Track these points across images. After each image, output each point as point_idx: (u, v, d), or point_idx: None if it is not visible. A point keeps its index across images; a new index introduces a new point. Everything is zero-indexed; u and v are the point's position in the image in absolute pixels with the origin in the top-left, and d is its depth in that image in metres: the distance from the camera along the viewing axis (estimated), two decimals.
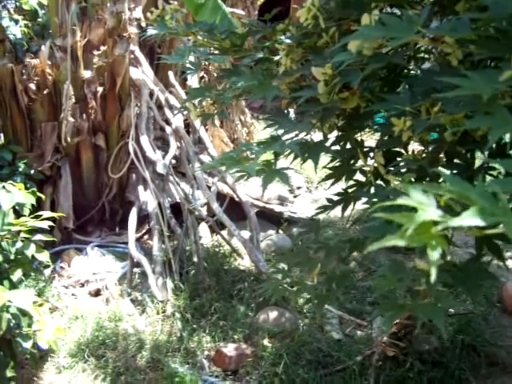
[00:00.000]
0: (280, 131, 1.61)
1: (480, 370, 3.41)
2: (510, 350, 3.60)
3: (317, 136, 1.85)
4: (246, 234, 4.55)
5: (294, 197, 5.77)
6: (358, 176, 1.83)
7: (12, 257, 3.25)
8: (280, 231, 5.10)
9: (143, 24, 5.04)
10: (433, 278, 0.77)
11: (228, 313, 3.88)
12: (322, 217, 2.29)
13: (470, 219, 0.77)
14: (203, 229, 4.83)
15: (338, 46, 1.34)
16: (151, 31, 1.99)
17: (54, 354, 3.42)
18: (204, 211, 4.79)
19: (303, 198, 5.80)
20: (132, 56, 4.94)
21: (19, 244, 3.28)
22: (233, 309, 3.92)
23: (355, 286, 4.27)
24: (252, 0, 6.00)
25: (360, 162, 1.76)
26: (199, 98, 1.89)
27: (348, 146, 1.82)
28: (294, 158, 1.66)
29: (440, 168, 0.85)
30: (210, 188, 4.78)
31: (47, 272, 4.23)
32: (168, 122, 4.95)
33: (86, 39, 4.68)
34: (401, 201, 0.80)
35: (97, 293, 4.18)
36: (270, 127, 1.71)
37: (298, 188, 5.92)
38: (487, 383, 3.33)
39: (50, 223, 3.40)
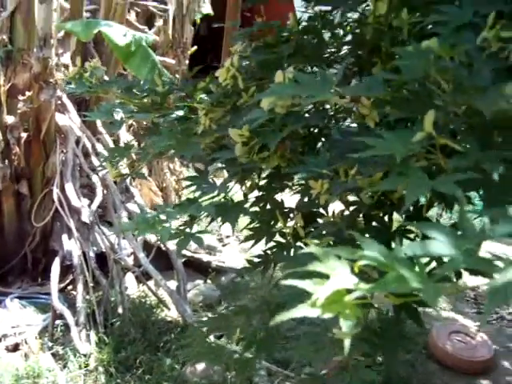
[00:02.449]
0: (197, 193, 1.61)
1: None
2: None
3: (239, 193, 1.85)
4: (173, 284, 4.47)
5: (223, 246, 5.74)
6: (279, 237, 1.82)
7: None
8: (208, 281, 5.06)
9: (71, 70, 4.99)
10: (346, 350, 0.73)
11: (154, 366, 3.78)
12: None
13: (385, 286, 0.74)
14: (129, 279, 4.71)
15: (252, 102, 1.33)
16: (70, 89, 1.96)
17: None
18: (130, 261, 4.69)
19: (232, 248, 5.77)
20: (59, 102, 4.86)
21: None
22: (159, 361, 3.81)
23: (284, 336, 4.24)
24: (183, 49, 6.04)
25: (279, 224, 1.75)
26: (118, 157, 1.86)
27: (268, 206, 1.82)
28: (211, 221, 1.64)
29: (355, 232, 0.84)
30: (136, 237, 4.69)
31: None
32: (95, 170, 4.86)
33: (9, 84, 4.57)
34: (312, 267, 0.77)
35: (15, 348, 3.98)
36: (187, 188, 1.69)
37: (227, 237, 5.89)
38: None
39: None
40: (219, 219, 1.60)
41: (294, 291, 1.42)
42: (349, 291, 0.75)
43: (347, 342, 0.73)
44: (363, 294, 0.74)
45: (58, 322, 4.12)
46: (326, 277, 0.76)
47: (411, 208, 1.62)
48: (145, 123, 5.18)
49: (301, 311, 0.73)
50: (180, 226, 1.60)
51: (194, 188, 1.65)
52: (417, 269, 0.79)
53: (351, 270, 0.78)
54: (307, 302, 0.74)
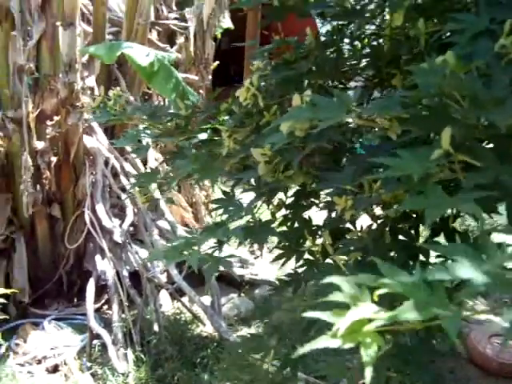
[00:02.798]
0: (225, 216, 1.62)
1: None
2: None
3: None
4: (207, 299, 4.49)
5: (255, 258, 5.74)
6: (308, 255, 1.83)
7: None
8: (242, 294, 5.07)
9: (96, 92, 5.07)
10: (368, 379, 0.74)
11: (192, 382, 3.79)
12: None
13: (405, 314, 0.75)
14: (163, 296, 4.75)
15: (273, 126, 1.35)
16: (95, 119, 2.01)
17: None
18: (163, 278, 4.73)
19: (264, 260, 5.77)
20: (86, 124, 4.94)
21: None
22: (196, 377, 3.83)
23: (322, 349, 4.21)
24: (205, 65, 6.09)
25: (308, 243, 1.76)
26: (147, 183, 1.89)
27: (296, 224, 1.82)
28: (239, 244, 1.66)
29: (375, 258, 0.85)
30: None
31: (1, 350, 4.08)
32: (124, 190, 4.92)
33: (38, 110, 4.66)
34: (332, 297, 0.78)
35: (55, 369, 4.04)
36: (215, 211, 1.71)
37: (259, 249, 5.87)
38: None
39: (3, 300, 3.32)
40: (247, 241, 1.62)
41: (324, 308, 1.43)
42: (370, 320, 0.76)
43: (368, 372, 0.74)
44: (382, 324, 0.75)
45: (95, 341, 4.16)
46: (348, 306, 0.77)
47: (437, 219, 1.61)
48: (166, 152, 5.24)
49: (322, 342, 0.74)
50: (210, 248, 1.61)
51: (221, 211, 1.67)
52: (437, 295, 0.79)
53: (372, 298, 0.79)
54: (328, 333, 0.75)
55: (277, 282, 2.02)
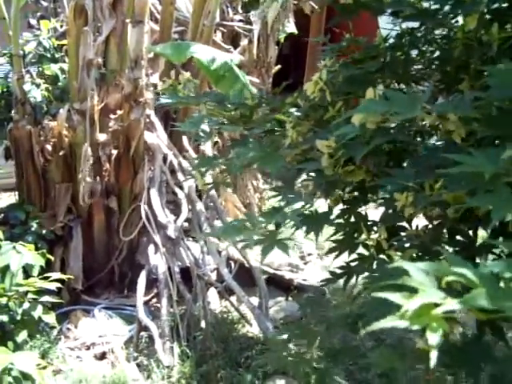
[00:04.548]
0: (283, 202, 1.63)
1: None
2: None
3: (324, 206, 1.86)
4: (254, 300, 4.50)
5: (305, 263, 5.73)
6: (361, 250, 1.82)
7: (18, 317, 3.25)
8: (290, 298, 5.06)
9: (159, 89, 5.16)
10: (432, 362, 0.74)
11: (234, 381, 3.80)
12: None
13: (470, 302, 0.76)
14: (212, 294, 4.79)
15: (343, 118, 1.36)
16: (164, 100, 2.06)
17: None
18: (213, 276, 4.76)
19: (314, 265, 5.75)
20: (147, 120, 5.03)
21: (26, 305, 3.28)
22: (240, 377, 3.83)
23: (364, 356, 4.16)
24: (267, 68, 6.13)
25: (363, 236, 1.75)
26: (206, 167, 1.92)
27: (352, 219, 1.82)
28: (296, 229, 1.66)
29: (443, 247, 0.85)
30: (220, 253, 4.77)
31: (53, 333, 4.19)
32: (180, 187, 4.99)
33: (102, 103, 4.78)
34: (401, 281, 0.79)
35: (102, 356, 4.12)
36: (273, 198, 1.72)
37: (309, 255, 5.87)
38: None
39: (58, 285, 3.41)
40: (304, 230, 1.62)
41: (374, 304, 1.42)
42: (436, 305, 0.77)
43: (434, 355, 0.74)
44: (450, 309, 0.75)
45: (142, 333, 4.22)
46: (413, 290, 0.77)
47: (497, 223, 1.58)
48: (229, 139, 5.28)
49: (390, 322, 0.75)
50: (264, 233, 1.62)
51: (279, 198, 1.68)
52: (502, 286, 0.79)
53: (438, 284, 0.79)
54: (396, 313, 0.76)
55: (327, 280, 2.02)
